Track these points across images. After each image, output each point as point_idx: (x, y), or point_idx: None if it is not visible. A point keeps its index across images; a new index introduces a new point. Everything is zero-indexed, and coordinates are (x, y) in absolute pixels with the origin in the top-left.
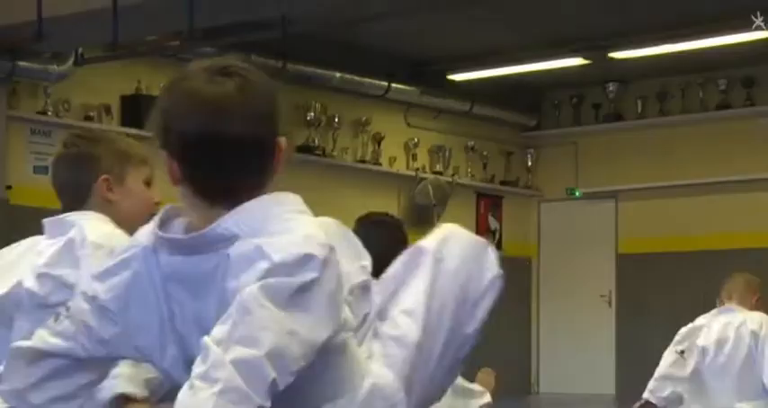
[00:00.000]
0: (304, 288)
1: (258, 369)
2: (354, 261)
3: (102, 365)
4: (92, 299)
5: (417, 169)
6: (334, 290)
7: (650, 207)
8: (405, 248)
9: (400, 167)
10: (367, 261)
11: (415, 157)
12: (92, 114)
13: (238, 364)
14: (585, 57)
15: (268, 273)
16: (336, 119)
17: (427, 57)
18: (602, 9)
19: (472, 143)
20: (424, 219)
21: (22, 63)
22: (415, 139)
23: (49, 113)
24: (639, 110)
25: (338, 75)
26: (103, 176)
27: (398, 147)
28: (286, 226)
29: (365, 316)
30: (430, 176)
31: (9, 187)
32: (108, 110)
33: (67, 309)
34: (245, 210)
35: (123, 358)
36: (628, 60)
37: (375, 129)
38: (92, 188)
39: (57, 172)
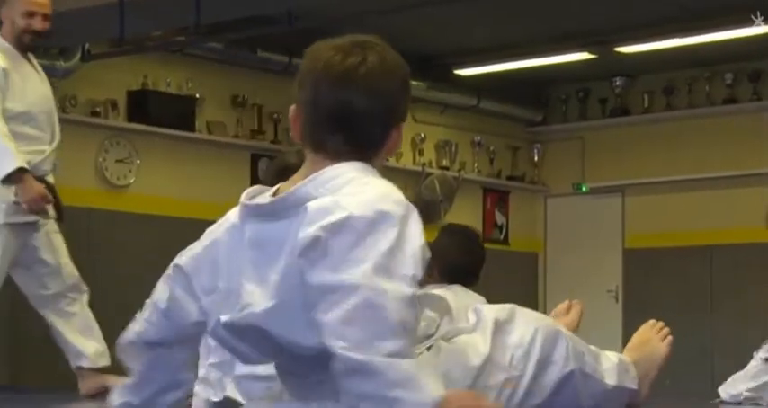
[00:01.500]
0: (392, 252)
1: (406, 350)
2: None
3: (189, 340)
4: (172, 268)
5: (424, 164)
6: (417, 245)
7: (657, 201)
8: (480, 258)
9: (407, 162)
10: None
11: (421, 152)
12: (98, 109)
13: (395, 355)
14: (592, 52)
15: (345, 223)
16: None
17: (433, 52)
18: (609, 3)
19: (479, 138)
20: (431, 214)
21: None
22: (422, 134)
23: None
24: (646, 104)
25: None
26: None
27: (405, 143)
28: (363, 187)
29: (428, 336)
30: (436, 171)
31: None
32: (114, 105)
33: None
34: (323, 174)
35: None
36: (634, 55)
37: None
38: None
39: None
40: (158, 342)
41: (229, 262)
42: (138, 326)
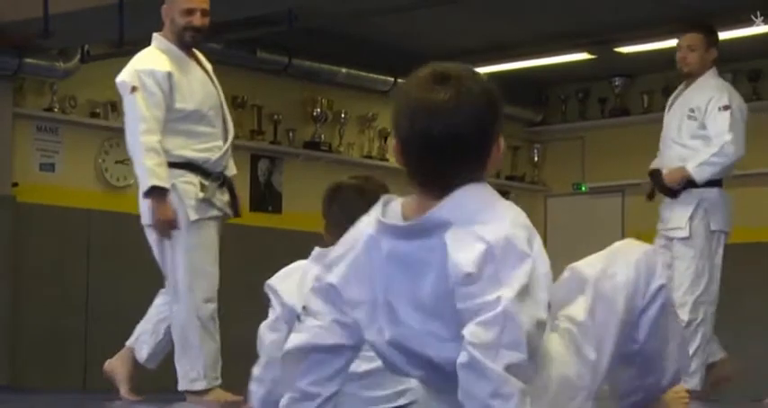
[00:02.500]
0: (528, 277)
1: (524, 370)
2: None
3: (347, 349)
4: (323, 284)
5: None
6: (544, 268)
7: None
8: None
9: None
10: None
11: None
12: (98, 110)
13: (513, 369)
14: (591, 52)
15: (486, 255)
16: (343, 115)
17: (433, 53)
18: (608, 3)
19: None
20: None
21: (28, 60)
22: None
23: (56, 110)
24: (646, 104)
25: (344, 70)
26: None
27: None
28: (494, 213)
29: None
30: None
31: (15, 184)
32: (114, 106)
33: (304, 309)
34: (456, 199)
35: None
36: (634, 55)
37: (381, 125)
38: None
39: None
40: (325, 348)
41: (372, 277)
42: (305, 334)
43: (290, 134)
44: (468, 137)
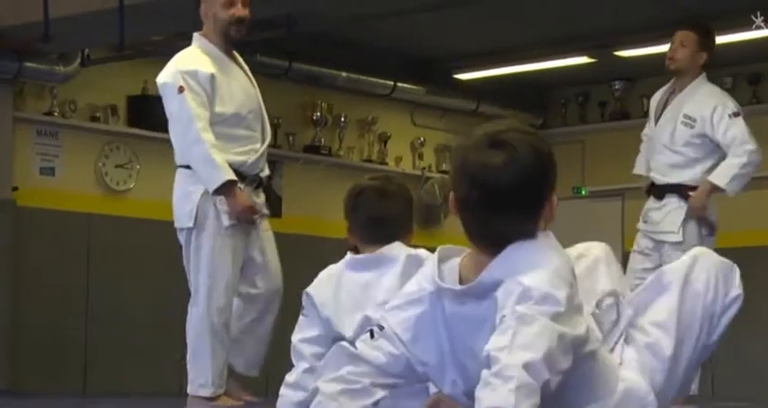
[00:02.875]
0: (552, 317)
1: (538, 370)
2: (611, 280)
3: (399, 375)
4: (387, 329)
5: (424, 168)
6: (578, 316)
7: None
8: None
9: (406, 167)
10: (623, 282)
11: (421, 156)
12: (98, 115)
13: (525, 365)
14: (591, 56)
15: (522, 295)
16: (342, 119)
17: (433, 57)
18: (608, 7)
19: None
20: (431, 219)
21: (28, 64)
22: (422, 138)
23: (56, 114)
24: (646, 108)
25: (344, 74)
26: None
27: (405, 147)
28: (538, 263)
29: (614, 322)
30: (436, 175)
31: (15, 188)
32: (114, 110)
33: (381, 328)
34: (506, 256)
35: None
36: (634, 58)
37: (381, 129)
38: None
39: None
40: (389, 375)
41: (437, 334)
42: (377, 353)
43: (290, 138)
44: (521, 197)
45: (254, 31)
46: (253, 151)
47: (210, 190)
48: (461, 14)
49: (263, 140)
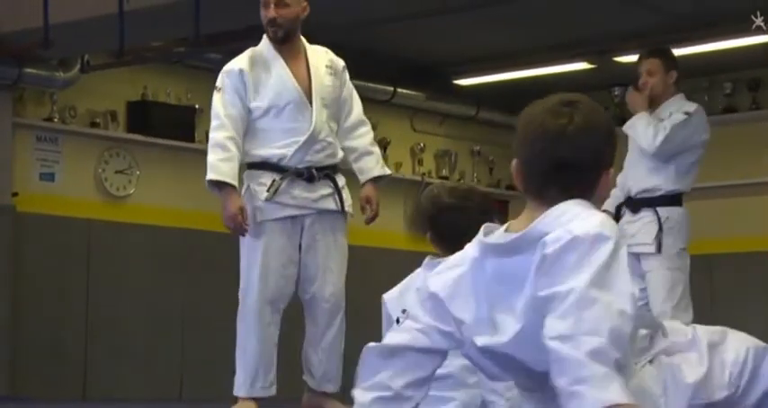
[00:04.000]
0: (608, 266)
1: (606, 354)
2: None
3: (440, 353)
4: (426, 292)
5: (423, 174)
6: (628, 269)
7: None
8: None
9: (406, 172)
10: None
11: (421, 162)
12: (98, 120)
13: (593, 354)
14: (591, 62)
15: (571, 243)
16: None
17: (433, 62)
18: (608, 13)
19: (478, 147)
20: None
21: (28, 70)
22: (421, 144)
23: (56, 120)
24: None
25: None
26: None
27: (404, 152)
28: (584, 216)
29: (646, 348)
30: (436, 181)
31: (15, 194)
32: (114, 116)
33: (404, 312)
34: (554, 212)
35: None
36: (633, 64)
37: (381, 134)
38: None
39: None
40: (422, 350)
41: (476, 293)
42: (403, 335)
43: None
44: (585, 163)
45: (253, 37)
46: (295, 143)
47: (207, 188)
48: (461, 20)
49: (309, 130)
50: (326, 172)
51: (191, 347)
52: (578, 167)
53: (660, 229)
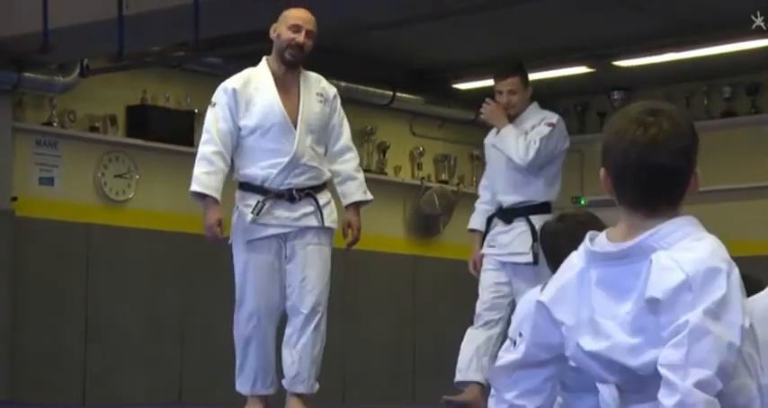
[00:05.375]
0: (723, 302)
1: (712, 385)
2: None
3: (549, 362)
4: (534, 302)
5: (423, 178)
6: (741, 298)
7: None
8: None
9: (406, 176)
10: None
11: (420, 166)
12: (97, 125)
13: (700, 385)
14: (590, 66)
15: (684, 284)
16: None
17: (432, 66)
18: (607, 17)
19: (477, 151)
20: (430, 228)
21: (27, 74)
22: (421, 148)
23: (55, 124)
24: None
25: (343, 84)
26: None
27: (404, 156)
28: (696, 244)
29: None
30: (435, 185)
31: (14, 198)
32: (114, 120)
33: (520, 335)
34: (664, 229)
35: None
36: (632, 68)
37: (380, 139)
38: None
39: None
40: (529, 364)
41: (580, 298)
42: (514, 355)
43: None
44: (679, 167)
45: (253, 41)
46: (278, 164)
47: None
48: (460, 25)
49: (290, 153)
50: (308, 192)
51: (189, 351)
52: (674, 172)
53: (535, 240)
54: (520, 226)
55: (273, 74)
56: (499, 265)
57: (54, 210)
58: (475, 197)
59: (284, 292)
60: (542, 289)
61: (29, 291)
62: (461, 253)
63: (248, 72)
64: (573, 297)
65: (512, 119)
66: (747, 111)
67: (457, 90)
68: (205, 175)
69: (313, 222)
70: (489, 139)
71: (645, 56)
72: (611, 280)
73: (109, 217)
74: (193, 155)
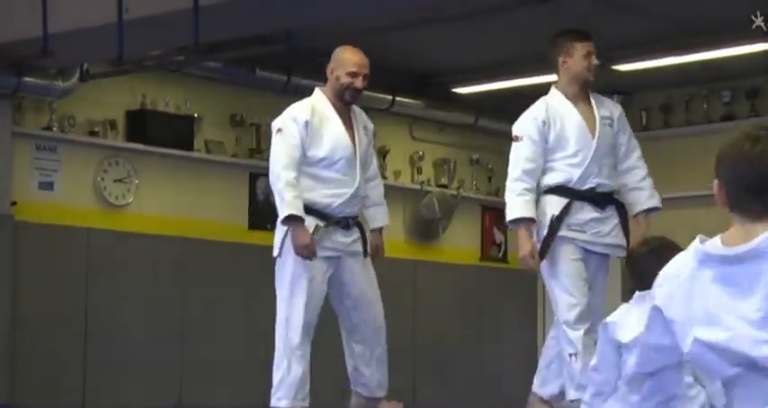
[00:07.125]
0: None
1: None
2: None
3: (671, 368)
4: (654, 306)
5: (422, 182)
6: None
7: (654, 218)
8: None
9: (405, 180)
10: None
11: (420, 170)
12: (97, 129)
13: None
14: None
15: None
16: None
17: (432, 71)
18: (606, 21)
19: (477, 156)
20: (430, 233)
21: (27, 79)
22: (420, 152)
23: (55, 129)
24: (644, 122)
25: None
26: None
27: (403, 161)
28: None
29: None
30: (435, 189)
31: (14, 203)
32: (113, 124)
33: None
34: None
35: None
36: (631, 73)
37: (380, 143)
38: None
39: None
40: (659, 368)
41: (692, 296)
42: (634, 363)
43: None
44: None
45: (253, 46)
46: (342, 195)
47: (279, 221)
48: (460, 29)
49: (354, 185)
50: (357, 220)
51: (189, 355)
52: None
53: (626, 234)
54: (614, 216)
55: (333, 106)
56: (583, 254)
57: (54, 215)
58: (474, 201)
59: (319, 310)
60: (655, 286)
61: (29, 296)
62: (461, 258)
63: (309, 102)
64: (685, 295)
65: (583, 88)
66: (747, 115)
67: (457, 94)
68: (296, 199)
69: (359, 248)
70: (568, 108)
71: (644, 60)
72: (728, 280)
73: (108, 222)
74: (193, 160)
